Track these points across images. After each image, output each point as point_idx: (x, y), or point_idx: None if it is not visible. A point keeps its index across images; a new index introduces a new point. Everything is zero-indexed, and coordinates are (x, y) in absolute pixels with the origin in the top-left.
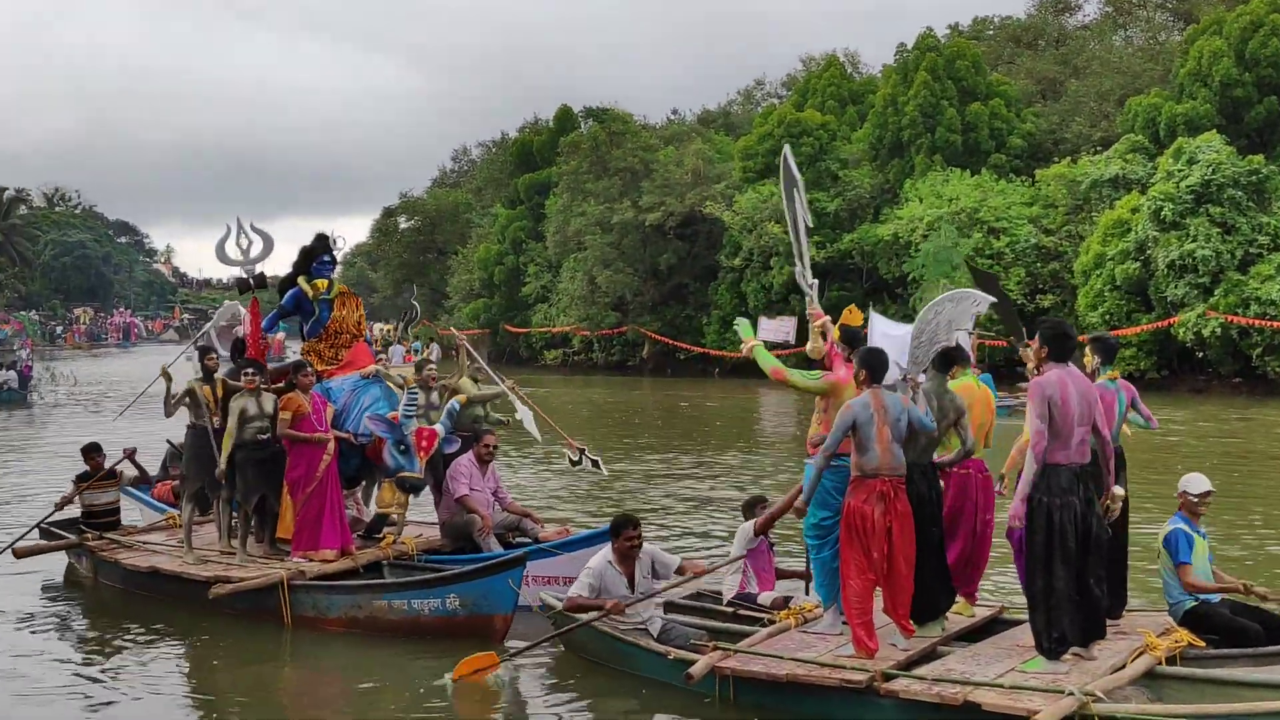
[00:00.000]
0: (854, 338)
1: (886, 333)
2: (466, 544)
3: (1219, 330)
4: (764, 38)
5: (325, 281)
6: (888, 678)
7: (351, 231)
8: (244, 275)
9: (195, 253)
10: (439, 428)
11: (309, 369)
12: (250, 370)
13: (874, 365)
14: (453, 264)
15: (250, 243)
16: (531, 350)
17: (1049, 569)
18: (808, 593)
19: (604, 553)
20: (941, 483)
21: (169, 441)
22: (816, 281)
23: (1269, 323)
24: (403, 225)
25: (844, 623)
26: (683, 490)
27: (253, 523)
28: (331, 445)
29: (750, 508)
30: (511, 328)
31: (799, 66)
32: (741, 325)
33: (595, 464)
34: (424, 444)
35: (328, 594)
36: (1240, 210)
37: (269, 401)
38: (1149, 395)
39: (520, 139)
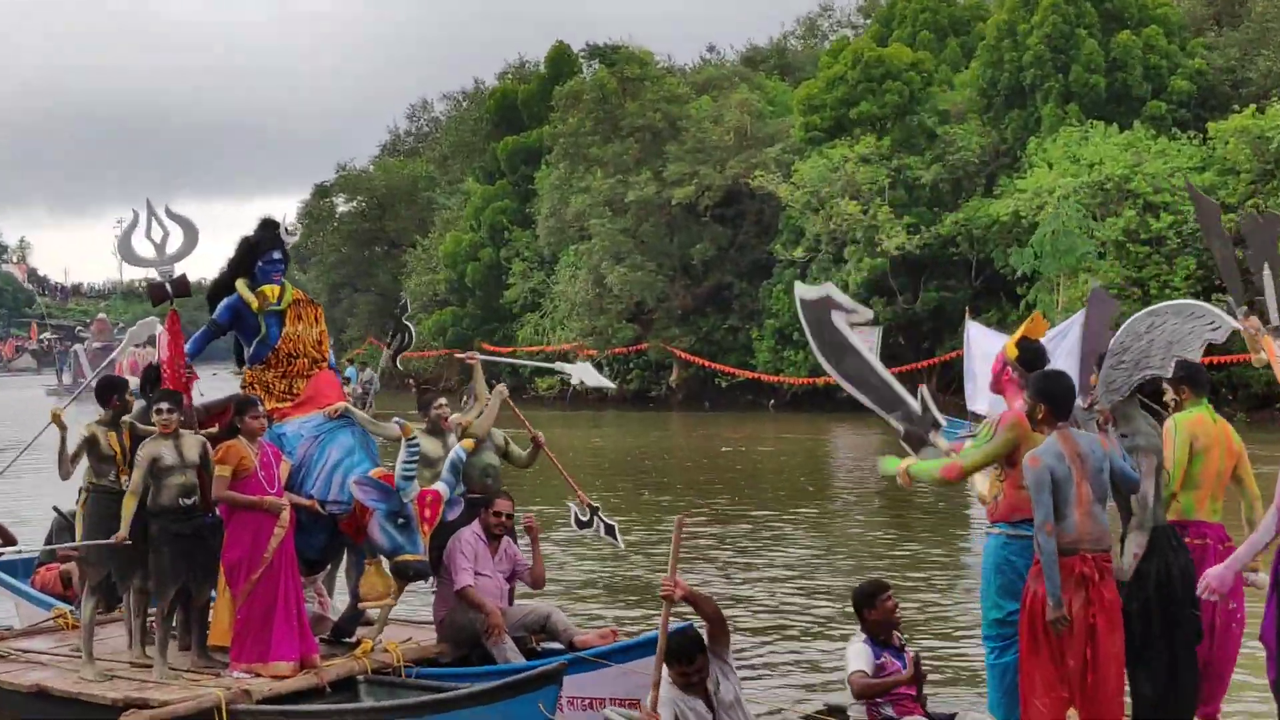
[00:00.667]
0: (1036, 357)
1: (988, 352)
2: (473, 651)
3: None
4: None
5: (275, 288)
6: None
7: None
8: (159, 279)
9: (60, 249)
10: (441, 486)
11: (258, 407)
12: (166, 406)
13: (1055, 396)
14: (409, 260)
15: (166, 234)
16: (518, 377)
17: None
18: None
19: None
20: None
21: (56, 509)
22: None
23: None
24: (341, 208)
25: None
26: (745, 571)
27: (175, 623)
28: (287, 515)
29: (868, 598)
30: (490, 347)
31: None
32: (886, 463)
33: (610, 531)
34: (427, 512)
35: None
36: None
37: (193, 448)
38: None
39: (501, 89)
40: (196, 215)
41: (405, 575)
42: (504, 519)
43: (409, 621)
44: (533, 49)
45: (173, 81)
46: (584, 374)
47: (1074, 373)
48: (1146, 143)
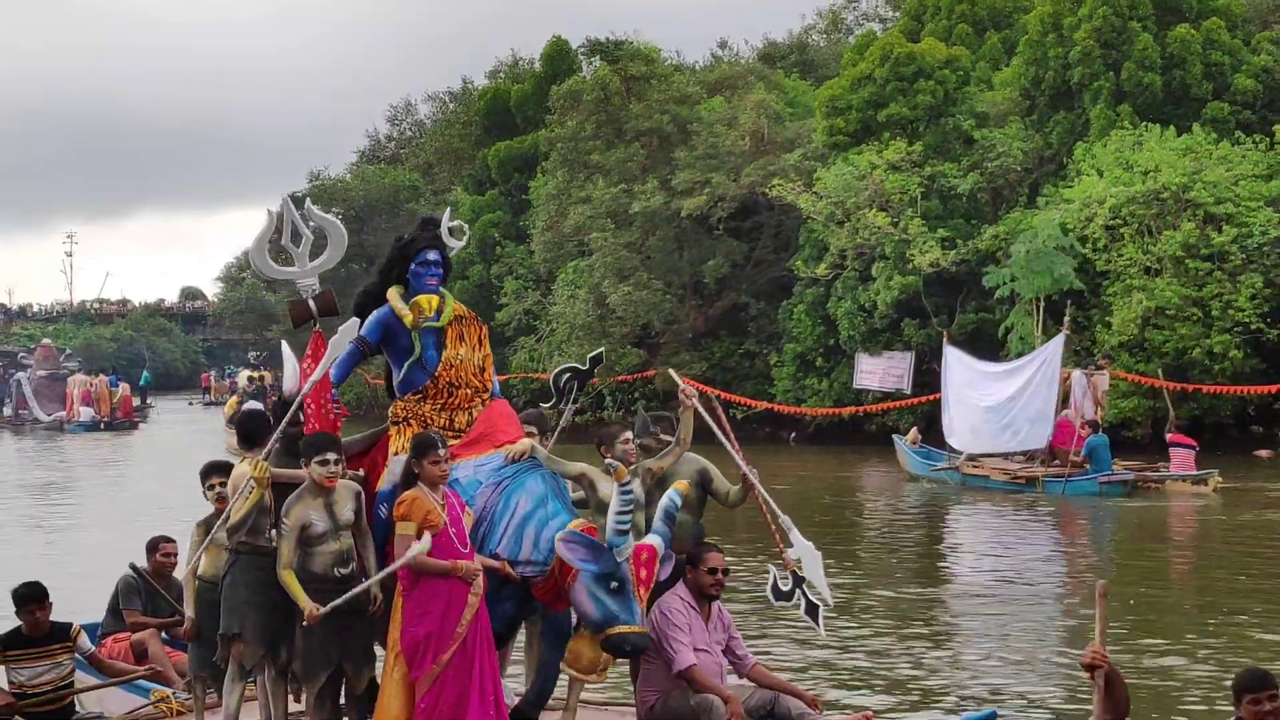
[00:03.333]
0: None
1: (968, 381)
2: None
3: None
4: None
5: (432, 298)
6: None
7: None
8: (303, 295)
9: (4, 268)
10: (656, 540)
11: (440, 449)
12: (333, 456)
13: None
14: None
15: (304, 239)
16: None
17: None
18: None
19: None
20: None
21: (133, 567)
22: None
23: None
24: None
25: None
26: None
27: (327, 709)
28: (481, 582)
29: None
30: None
31: None
32: None
33: (812, 613)
34: (643, 572)
35: None
36: None
37: (346, 504)
38: None
39: (492, 89)
40: (159, 228)
41: (622, 651)
42: (719, 577)
43: (590, 704)
44: (527, 45)
45: (132, 83)
46: (806, 557)
47: (1050, 404)
48: (1207, 148)
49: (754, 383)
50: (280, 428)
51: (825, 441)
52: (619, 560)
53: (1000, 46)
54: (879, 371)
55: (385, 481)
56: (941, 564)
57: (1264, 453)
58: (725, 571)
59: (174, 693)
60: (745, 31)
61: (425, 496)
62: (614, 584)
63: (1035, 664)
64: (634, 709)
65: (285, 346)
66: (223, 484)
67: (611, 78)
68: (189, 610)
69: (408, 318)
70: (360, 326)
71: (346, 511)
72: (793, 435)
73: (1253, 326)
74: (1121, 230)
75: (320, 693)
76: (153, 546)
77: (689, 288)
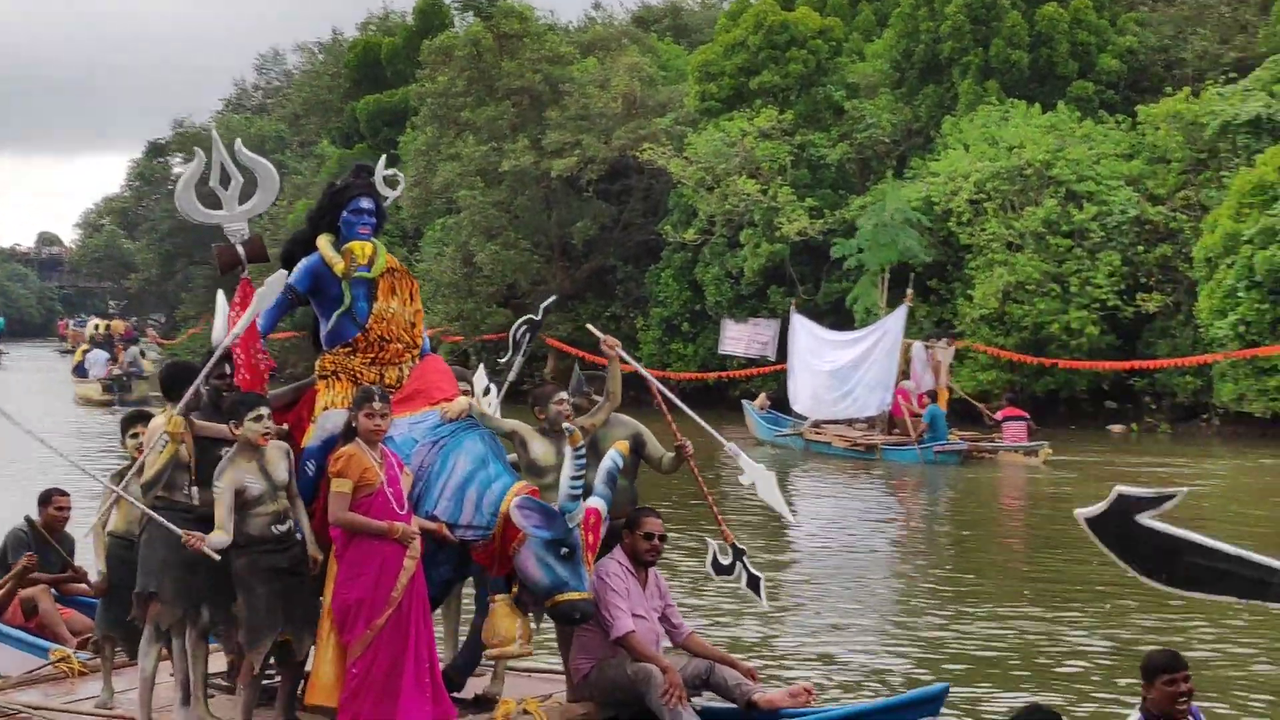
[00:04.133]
0: None
1: (813, 349)
2: (621, 712)
3: None
4: None
5: (365, 245)
6: None
7: (96, 177)
8: (231, 240)
9: None
10: (599, 503)
11: (380, 403)
12: (265, 411)
13: None
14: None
15: (234, 182)
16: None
17: None
18: None
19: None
20: None
21: (28, 519)
22: None
23: None
24: (176, 169)
25: None
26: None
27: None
28: (418, 545)
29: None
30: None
31: None
32: None
33: (754, 585)
34: (590, 537)
35: None
36: None
37: (280, 463)
38: None
39: (362, 41)
40: (12, 173)
41: (571, 619)
42: (656, 543)
43: (517, 670)
44: None
45: None
46: (758, 479)
47: (890, 374)
48: (1071, 126)
49: (621, 345)
50: (200, 378)
51: (689, 406)
52: (571, 526)
53: (873, 18)
54: (744, 338)
55: (314, 437)
56: (782, 530)
57: (1117, 428)
58: (663, 538)
59: (74, 652)
60: None
61: (362, 453)
62: (564, 550)
63: (873, 630)
64: (564, 676)
65: (220, 296)
66: (144, 432)
67: (484, 34)
68: (100, 565)
69: (338, 266)
70: (289, 276)
71: (281, 472)
72: (657, 399)
73: (1109, 303)
74: (985, 205)
75: (265, 659)
76: (45, 499)
77: (556, 249)
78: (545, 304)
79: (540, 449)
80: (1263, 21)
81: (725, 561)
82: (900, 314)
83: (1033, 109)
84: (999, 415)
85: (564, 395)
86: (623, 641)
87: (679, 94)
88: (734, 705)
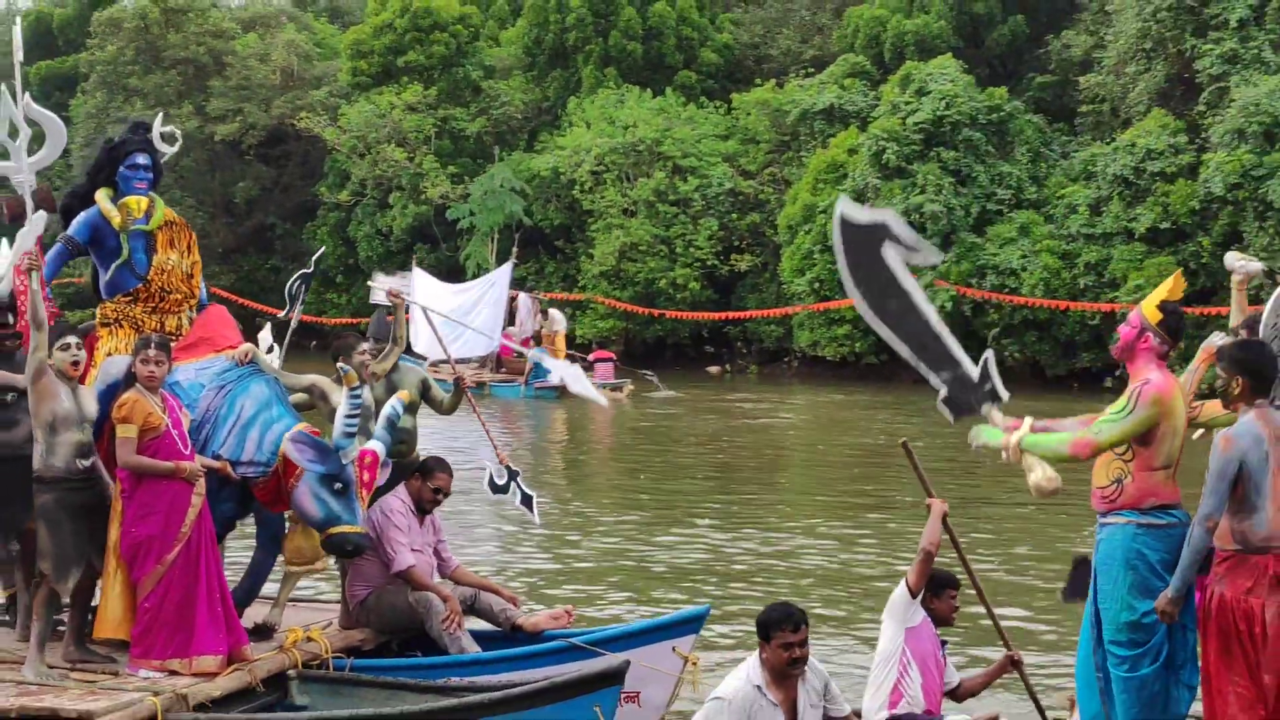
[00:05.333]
0: (1180, 322)
1: (434, 294)
2: (393, 637)
3: (949, 304)
4: None
5: (141, 200)
6: None
7: None
8: (19, 191)
9: None
10: (378, 446)
11: (157, 350)
12: (75, 341)
13: (1259, 369)
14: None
15: (21, 133)
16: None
17: None
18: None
19: (747, 672)
20: None
21: None
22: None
23: (1008, 297)
24: None
25: None
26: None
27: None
28: (203, 483)
29: (938, 585)
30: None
31: None
32: (981, 434)
33: (527, 502)
34: (366, 476)
35: None
36: (978, 156)
37: (91, 399)
38: (862, 385)
39: (35, 11)
40: None
41: (343, 551)
42: (439, 497)
43: (298, 601)
44: None
45: None
46: (569, 377)
47: (498, 320)
48: (677, 109)
49: (277, 295)
50: None
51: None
52: (344, 462)
53: (507, 7)
54: (389, 286)
55: (97, 382)
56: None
57: (714, 369)
58: (446, 494)
59: None
60: None
61: (145, 399)
62: (338, 485)
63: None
64: (336, 605)
65: (3, 243)
66: None
67: (151, 8)
68: None
69: (115, 219)
70: (67, 227)
71: (91, 406)
72: (314, 343)
73: (709, 263)
74: (605, 176)
75: (73, 590)
76: None
77: (219, 206)
78: (315, 256)
79: (339, 398)
80: (836, 25)
81: (501, 482)
82: (507, 269)
83: (645, 94)
84: (590, 357)
85: (365, 345)
86: (404, 575)
87: (333, 69)
88: (499, 629)
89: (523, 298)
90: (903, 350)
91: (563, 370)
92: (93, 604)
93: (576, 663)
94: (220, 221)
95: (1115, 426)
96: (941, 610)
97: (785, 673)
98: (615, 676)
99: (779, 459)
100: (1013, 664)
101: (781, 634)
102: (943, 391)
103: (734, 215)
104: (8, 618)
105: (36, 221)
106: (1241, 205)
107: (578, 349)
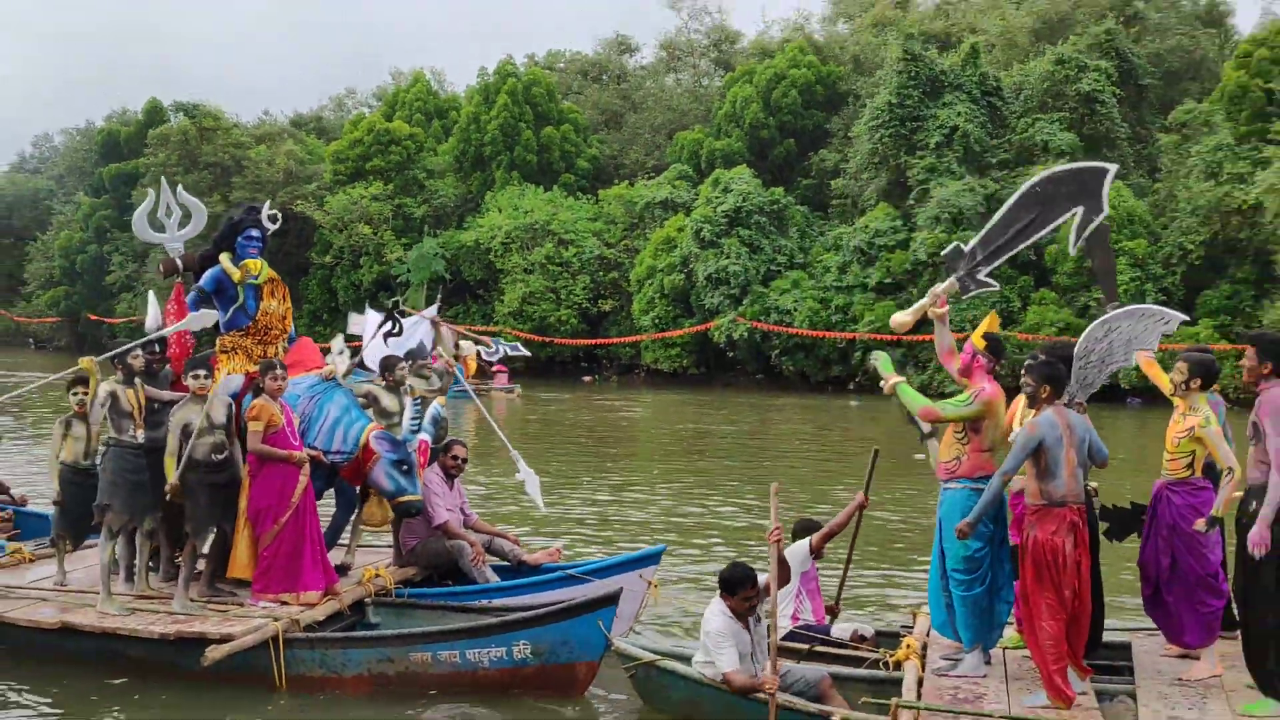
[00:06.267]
0: (1000, 347)
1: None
2: (435, 572)
3: (746, 334)
4: (359, 49)
5: (258, 262)
6: None
7: None
8: (171, 255)
9: None
10: (426, 436)
11: (280, 370)
12: (203, 372)
13: (1057, 379)
14: (30, 250)
15: (174, 213)
16: (116, 341)
17: None
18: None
19: (720, 609)
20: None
21: None
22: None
23: (785, 328)
24: None
25: (987, 664)
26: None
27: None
28: (308, 467)
29: (805, 530)
30: (95, 316)
31: (389, 80)
32: (880, 359)
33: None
34: (421, 459)
35: (343, 648)
36: (764, 233)
37: (220, 411)
38: (689, 388)
39: (107, 128)
40: None
41: (408, 513)
42: (460, 462)
43: (364, 546)
44: (133, 101)
45: None
46: (529, 481)
47: (428, 342)
48: (561, 200)
49: None
50: (133, 345)
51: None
52: (410, 450)
53: (442, 129)
54: (369, 325)
55: (220, 393)
56: None
57: (587, 379)
58: (465, 460)
59: (24, 544)
60: (282, 105)
61: (269, 404)
62: (405, 466)
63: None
64: (390, 550)
65: (151, 294)
66: (85, 393)
67: (190, 127)
68: (54, 484)
69: (235, 275)
70: (198, 279)
71: (220, 416)
72: None
73: (583, 305)
74: (511, 245)
75: (208, 544)
76: None
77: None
78: (397, 299)
79: (387, 401)
80: (669, 144)
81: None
82: (432, 310)
83: (539, 190)
84: (493, 369)
85: (405, 364)
86: (442, 527)
87: (320, 170)
88: (508, 563)
89: (445, 328)
90: (995, 219)
91: (526, 474)
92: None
93: (572, 587)
94: None
95: (955, 410)
96: (735, 607)
97: (745, 614)
98: (613, 599)
99: (635, 439)
100: (860, 508)
101: (745, 590)
102: (960, 263)
103: (600, 273)
104: (152, 564)
105: (205, 315)
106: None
107: (484, 364)
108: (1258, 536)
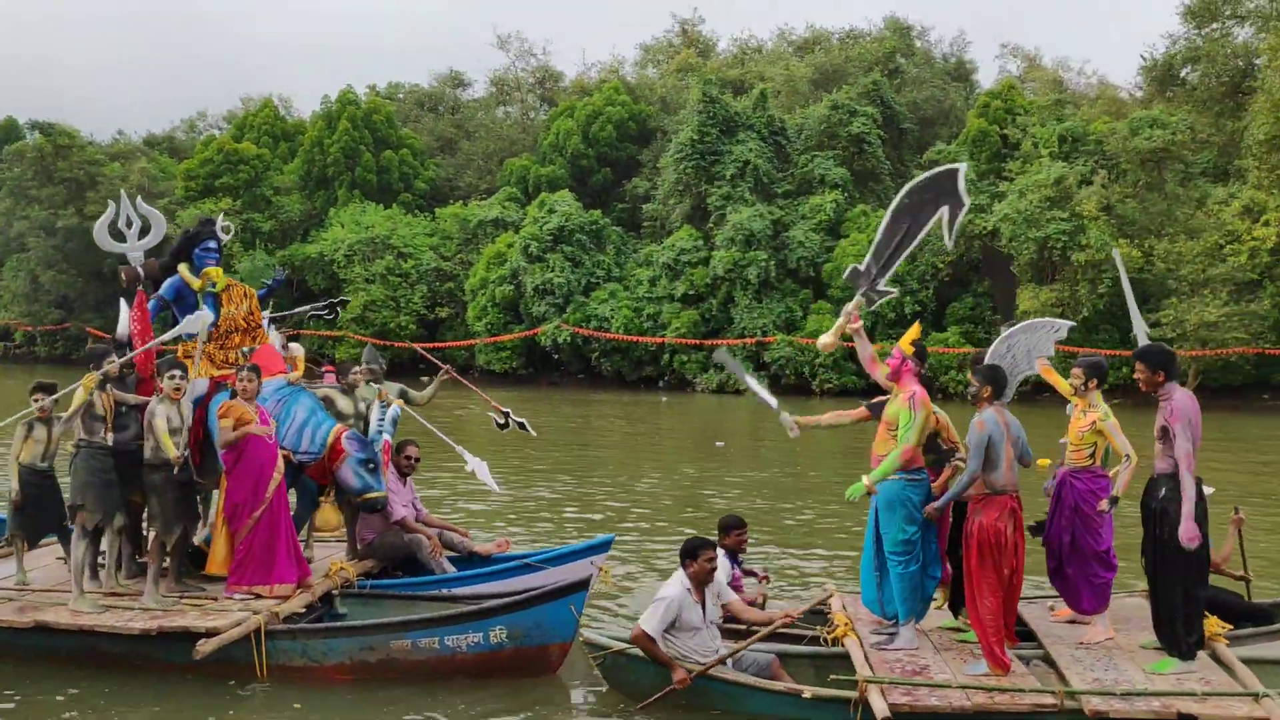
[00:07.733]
0: (924, 353)
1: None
2: (391, 564)
3: (569, 339)
4: (210, 76)
5: (217, 270)
6: (1070, 696)
7: None
8: (132, 264)
9: None
10: (388, 438)
11: (252, 373)
12: (179, 374)
13: (998, 381)
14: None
15: (134, 224)
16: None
17: (1202, 576)
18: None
19: (679, 579)
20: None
21: None
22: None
23: (603, 334)
24: None
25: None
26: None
27: (104, 555)
28: (283, 464)
29: (725, 529)
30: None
31: (239, 104)
32: (852, 490)
33: (522, 426)
34: (384, 458)
35: (325, 638)
36: (585, 250)
37: (189, 411)
38: (518, 386)
39: None
40: None
41: (374, 508)
42: (413, 461)
43: (320, 540)
44: None
45: None
46: (478, 469)
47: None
48: (400, 217)
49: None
50: (123, 362)
51: None
52: (376, 451)
53: (288, 150)
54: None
55: (187, 396)
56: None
57: (425, 379)
58: (418, 459)
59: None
60: (135, 125)
61: (240, 404)
62: (371, 465)
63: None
64: (342, 543)
65: (123, 302)
66: (44, 398)
67: (45, 144)
68: (14, 485)
69: (195, 284)
70: (158, 288)
71: (188, 416)
72: None
73: (421, 312)
74: (354, 258)
75: (176, 541)
76: None
77: (94, 275)
78: (337, 301)
79: (343, 403)
80: (500, 169)
81: (502, 422)
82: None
83: (379, 207)
84: (322, 369)
85: (359, 367)
86: (400, 522)
87: (172, 187)
88: (459, 554)
89: (274, 333)
90: (879, 236)
91: (475, 463)
92: (186, 553)
93: (526, 575)
94: (94, 284)
95: (912, 432)
96: (732, 544)
97: (705, 580)
98: (584, 584)
99: (471, 434)
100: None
101: (705, 554)
102: (858, 278)
103: (437, 283)
104: (103, 562)
105: (198, 318)
106: (733, 281)
107: (314, 363)
108: (1189, 534)
